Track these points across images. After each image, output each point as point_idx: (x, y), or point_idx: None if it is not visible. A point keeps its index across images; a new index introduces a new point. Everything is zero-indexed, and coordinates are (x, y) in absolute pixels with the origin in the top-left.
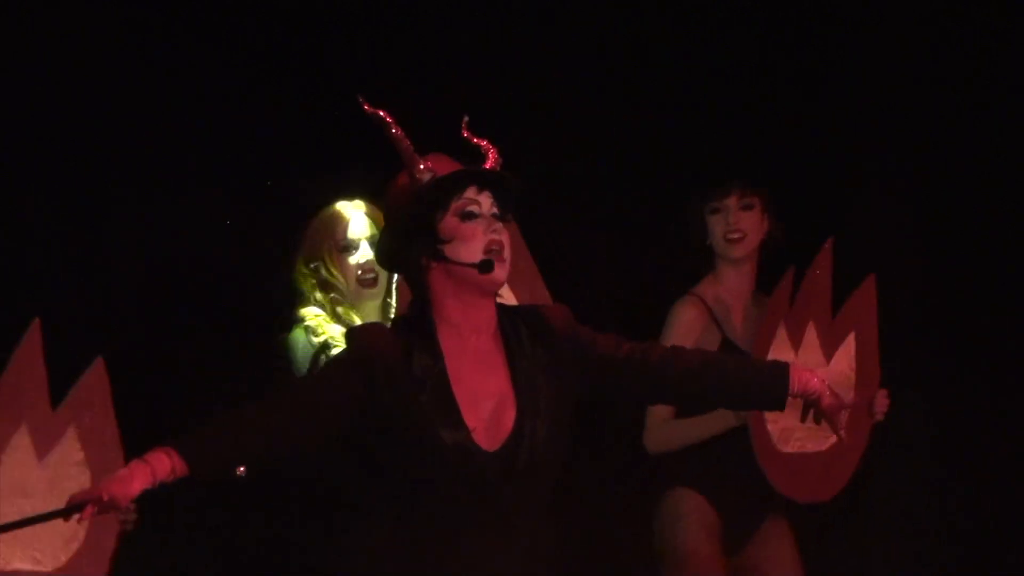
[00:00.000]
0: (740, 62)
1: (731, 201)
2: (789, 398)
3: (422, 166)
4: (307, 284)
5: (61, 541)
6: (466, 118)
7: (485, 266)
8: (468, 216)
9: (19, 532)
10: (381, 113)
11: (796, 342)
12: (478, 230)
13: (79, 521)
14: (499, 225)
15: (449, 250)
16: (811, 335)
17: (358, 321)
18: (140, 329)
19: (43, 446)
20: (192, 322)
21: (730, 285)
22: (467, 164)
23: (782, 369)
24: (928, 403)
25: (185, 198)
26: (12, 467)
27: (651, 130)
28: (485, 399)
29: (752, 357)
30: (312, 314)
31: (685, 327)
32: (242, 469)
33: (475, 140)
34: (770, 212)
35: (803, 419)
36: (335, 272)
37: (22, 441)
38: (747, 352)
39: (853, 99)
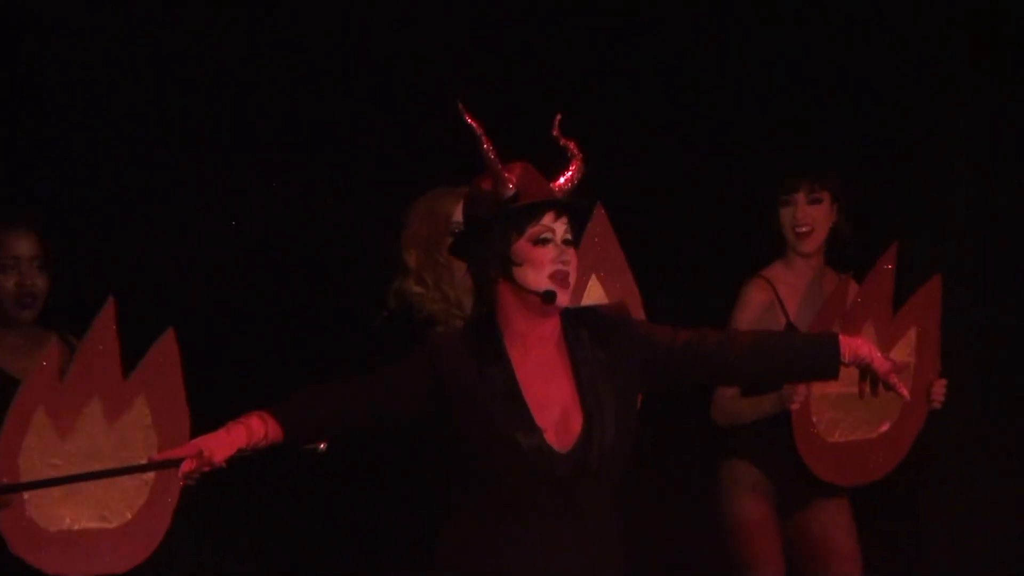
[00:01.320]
0: (819, 58)
1: (800, 195)
2: (842, 367)
3: (510, 185)
4: (414, 262)
5: (126, 499)
6: (558, 116)
7: (548, 296)
8: (541, 242)
9: (89, 494)
10: (474, 125)
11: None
12: (548, 257)
13: (181, 475)
14: (569, 253)
15: (519, 273)
16: (868, 331)
17: (463, 299)
18: (211, 302)
19: (113, 411)
20: (260, 295)
21: (799, 272)
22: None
23: (832, 339)
24: (986, 395)
25: (253, 174)
26: (84, 435)
27: (731, 121)
28: (551, 406)
29: (801, 333)
30: (416, 291)
31: (752, 307)
32: (323, 445)
33: (563, 141)
34: (840, 205)
35: (861, 394)
36: (444, 254)
37: (94, 409)
38: None
39: (924, 99)
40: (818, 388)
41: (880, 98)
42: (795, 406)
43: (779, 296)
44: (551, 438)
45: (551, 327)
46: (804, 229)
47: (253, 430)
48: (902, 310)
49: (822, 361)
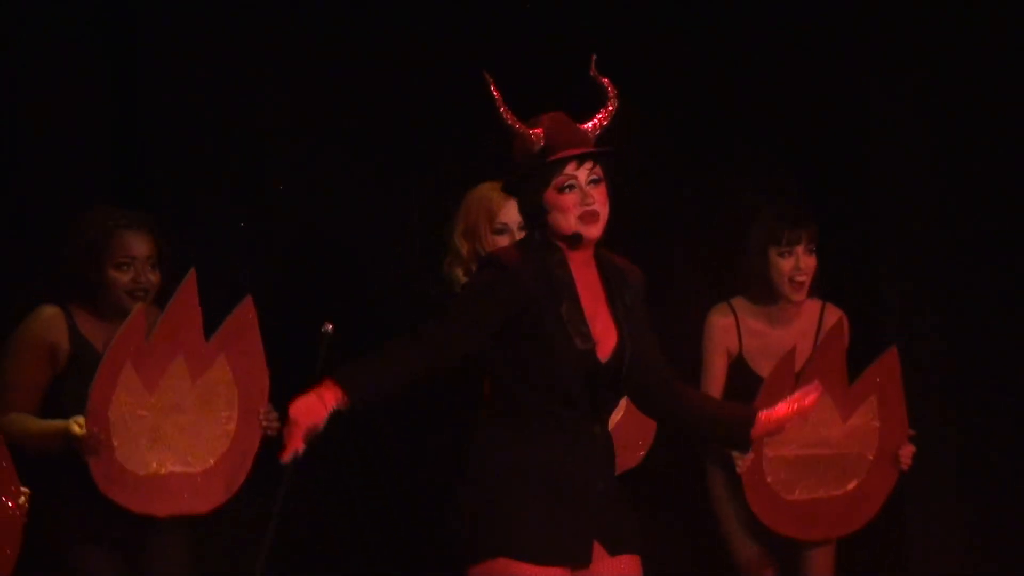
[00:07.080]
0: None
1: (800, 247)
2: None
3: (537, 141)
4: (464, 249)
5: (209, 447)
6: (594, 56)
7: (575, 239)
8: (567, 189)
9: (174, 441)
10: (496, 95)
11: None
12: (573, 201)
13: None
14: (594, 195)
15: (551, 219)
16: (825, 400)
17: None
18: (289, 271)
19: (197, 370)
20: (334, 269)
21: (770, 314)
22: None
23: (749, 416)
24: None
25: (333, 156)
26: (169, 389)
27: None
28: (597, 320)
29: (727, 402)
30: (464, 282)
31: (718, 333)
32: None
33: (600, 79)
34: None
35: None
36: (487, 250)
37: (178, 367)
38: (756, 375)
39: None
40: (772, 450)
41: (837, 148)
42: (741, 471)
43: (739, 328)
44: (598, 348)
45: (588, 256)
46: (802, 278)
47: (337, 396)
48: (860, 379)
49: (735, 436)
